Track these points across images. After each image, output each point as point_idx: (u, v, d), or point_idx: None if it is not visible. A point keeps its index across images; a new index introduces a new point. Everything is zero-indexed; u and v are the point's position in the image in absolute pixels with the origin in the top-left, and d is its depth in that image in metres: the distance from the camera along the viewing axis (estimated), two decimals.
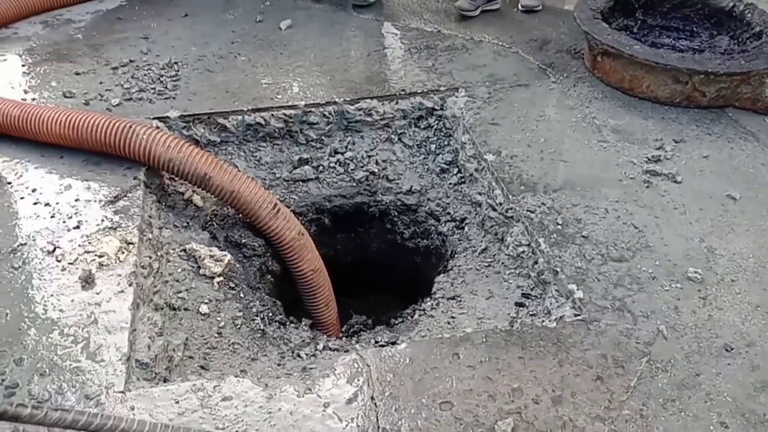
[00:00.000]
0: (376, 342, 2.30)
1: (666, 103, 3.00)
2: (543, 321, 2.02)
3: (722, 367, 1.80)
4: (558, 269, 2.12)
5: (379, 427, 1.60)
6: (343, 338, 2.62)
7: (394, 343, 2.10)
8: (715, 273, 2.11)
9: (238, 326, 2.21)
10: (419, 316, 2.40)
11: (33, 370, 1.71)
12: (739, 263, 2.15)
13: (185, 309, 2.18)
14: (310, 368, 1.91)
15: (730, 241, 2.24)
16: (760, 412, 1.68)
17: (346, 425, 1.61)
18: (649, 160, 2.63)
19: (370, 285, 3.41)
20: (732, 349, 1.85)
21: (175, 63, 3.29)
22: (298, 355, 2.14)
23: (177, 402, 1.66)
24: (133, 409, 1.63)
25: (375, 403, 1.67)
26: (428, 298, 2.48)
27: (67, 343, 1.79)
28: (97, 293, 1.95)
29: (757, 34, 3.14)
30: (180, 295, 2.21)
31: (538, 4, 3.92)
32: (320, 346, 2.21)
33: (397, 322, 2.57)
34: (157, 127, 2.58)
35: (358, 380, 1.74)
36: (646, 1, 3.53)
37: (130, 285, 1.98)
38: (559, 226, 2.29)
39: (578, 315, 1.96)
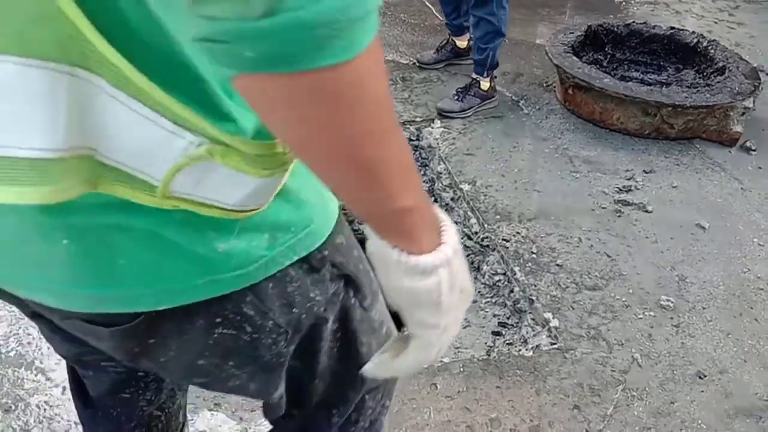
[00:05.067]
0: None
1: (636, 135, 3.07)
2: (520, 350, 2.03)
3: (696, 395, 1.82)
4: (534, 298, 2.13)
5: None
6: None
7: None
8: (686, 301, 2.14)
9: None
10: None
11: None
12: (709, 291, 2.19)
13: None
14: None
15: (701, 270, 2.28)
16: None
17: None
18: (620, 190, 2.69)
19: None
20: (705, 377, 1.87)
21: None
22: None
23: None
24: None
25: None
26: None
27: None
28: None
29: (721, 69, 3.26)
30: None
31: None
32: None
33: None
34: None
35: None
36: (614, 36, 3.65)
37: None
38: (534, 255, 2.31)
39: (554, 343, 1.97)
